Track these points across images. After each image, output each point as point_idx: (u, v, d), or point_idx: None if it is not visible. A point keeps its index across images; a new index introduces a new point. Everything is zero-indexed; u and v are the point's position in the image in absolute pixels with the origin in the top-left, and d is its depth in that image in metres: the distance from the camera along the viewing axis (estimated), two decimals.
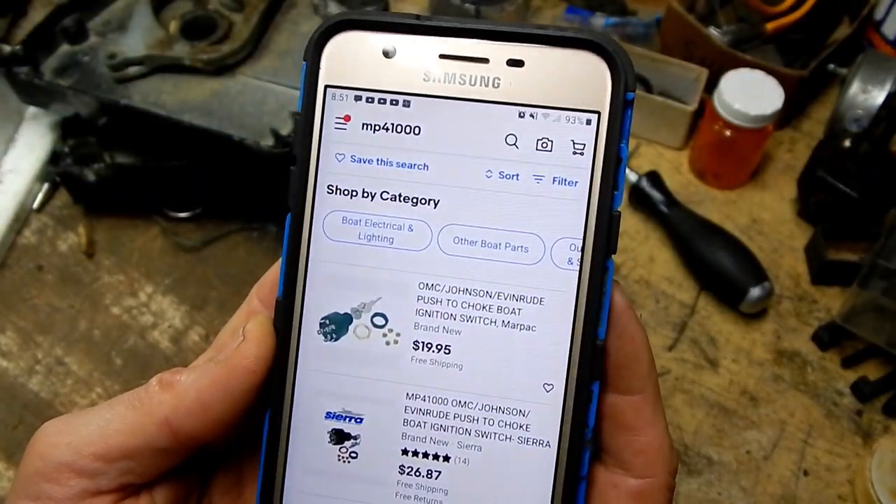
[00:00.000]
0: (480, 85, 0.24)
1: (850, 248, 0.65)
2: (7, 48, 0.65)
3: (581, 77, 0.24)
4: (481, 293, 0.25)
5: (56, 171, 0.67)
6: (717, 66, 0.70)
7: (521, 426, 0.25)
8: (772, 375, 0.61)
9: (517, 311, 0.25)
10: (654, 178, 0.69)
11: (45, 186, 0.71)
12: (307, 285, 0.25)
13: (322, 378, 0.26)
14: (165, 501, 0.25)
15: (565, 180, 0.24)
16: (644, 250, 0.68)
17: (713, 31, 0.73)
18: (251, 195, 0.67)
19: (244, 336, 0.25)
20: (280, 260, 0.26)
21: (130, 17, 0.69)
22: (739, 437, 0.58)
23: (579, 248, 0.24)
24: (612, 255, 0.24)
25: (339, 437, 0.25)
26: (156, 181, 0.67)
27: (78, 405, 0.60)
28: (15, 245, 0.69)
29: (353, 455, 0.25)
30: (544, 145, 0.24)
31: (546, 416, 0.25)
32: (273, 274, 0.27)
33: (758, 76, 0.66)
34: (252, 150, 0.59)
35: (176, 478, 0.26)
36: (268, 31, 0.69)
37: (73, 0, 0.69)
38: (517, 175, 0.24)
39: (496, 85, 0.24)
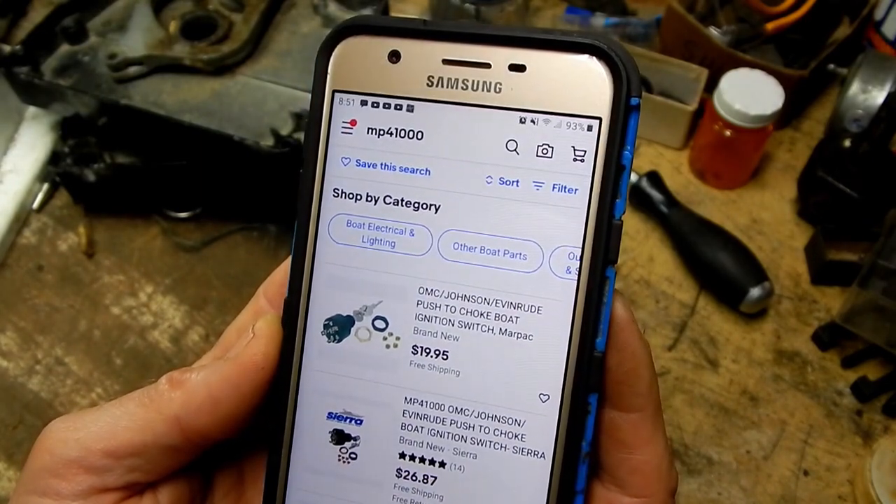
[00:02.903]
0: (482, 90, 0.24)
1: (850, 248, 0.65)
2: (7, 48, 0.65)
3: (582, 82, 0.23)
4: (479, 300, 0.24)
5: (56, 171, 0.67)
6: (717, 66, 0.70)
7: (516, 436, 0.24)
8: (772, 375, 0.61)
9: (514, 319, 0.24)
10: (654, 178, 0.69)
11: (45, 186, 0.71)
12: (312, 287, 0.26)
13: (325, 378, 0.26)
14: (169, 502, 0.25)
15: (565, 187, 0.24)
16: (644, 250, 0.68)
17: (713, 31, 0.73)
18: (251, 195, 0.67)
19: (254, 333, 0.25)
20: (288, 260, 0.26)
21: (130, 17, 0.69)
22: (739, 437, 0.58)
23: (578, 257, 0.24)
24: (614, 265, 0.24)
25: (339, 437, 0.25)
26: (156, 181, 0.67)
27: (78, 405, 0.60)
28: (15, 245, 0.69)
29: (353, 456, 0.25)
30: (544, 151, 0.24)
31: (541, 426, 0.24)
32: (280, 273, 0.27)
33: (758, 76, 0.66)
34: (252, 150, 0.59)
35: (181, 479, 0.26)
36: (268, 31, 0.69)
37: (73, 0, 0.69)
38: (517, 181, 0.24)
39: (498, 90, 0.24)
